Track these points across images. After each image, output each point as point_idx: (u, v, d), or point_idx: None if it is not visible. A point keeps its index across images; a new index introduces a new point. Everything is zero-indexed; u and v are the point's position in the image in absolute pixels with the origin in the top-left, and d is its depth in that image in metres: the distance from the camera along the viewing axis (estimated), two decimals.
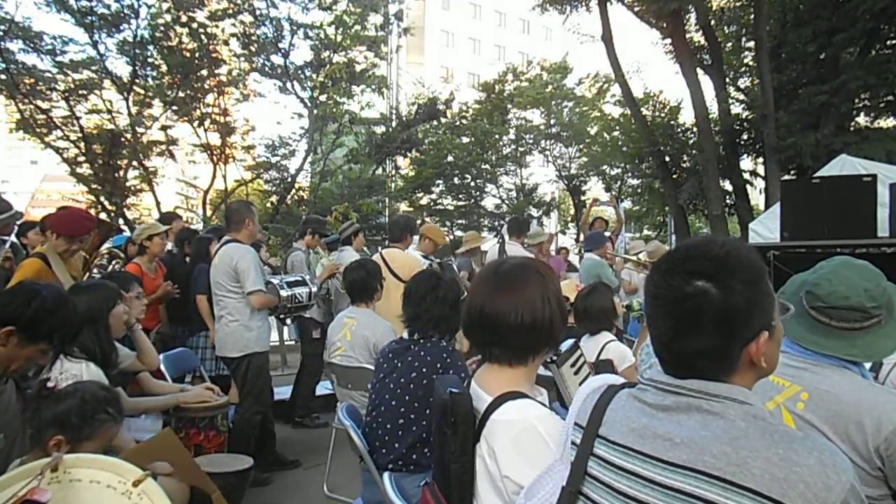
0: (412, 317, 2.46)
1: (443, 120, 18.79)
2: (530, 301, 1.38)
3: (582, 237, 7.77)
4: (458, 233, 19.12)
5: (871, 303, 1.50)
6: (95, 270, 3.92)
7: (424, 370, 2.27)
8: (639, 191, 19.19)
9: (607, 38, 12.54)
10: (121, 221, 13.67)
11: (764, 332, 0.98)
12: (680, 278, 0.97)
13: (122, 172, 14.46)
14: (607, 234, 6.65)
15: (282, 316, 4.08)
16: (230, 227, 3.87)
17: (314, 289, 4.10)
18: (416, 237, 5.34)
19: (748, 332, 0.97)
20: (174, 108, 15.01)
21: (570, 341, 2.56)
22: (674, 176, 13.84)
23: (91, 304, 2.50)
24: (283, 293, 3.83)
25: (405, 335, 2.52)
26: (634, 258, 6.25)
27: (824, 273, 1.57)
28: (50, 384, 1.86)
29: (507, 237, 6.38)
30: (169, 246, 4.94)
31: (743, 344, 0.97)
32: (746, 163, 13.79)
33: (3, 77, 12.64)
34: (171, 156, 16.08)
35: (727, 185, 12.76)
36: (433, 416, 1.52)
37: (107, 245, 4.41)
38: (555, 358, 2.48)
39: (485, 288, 1.44)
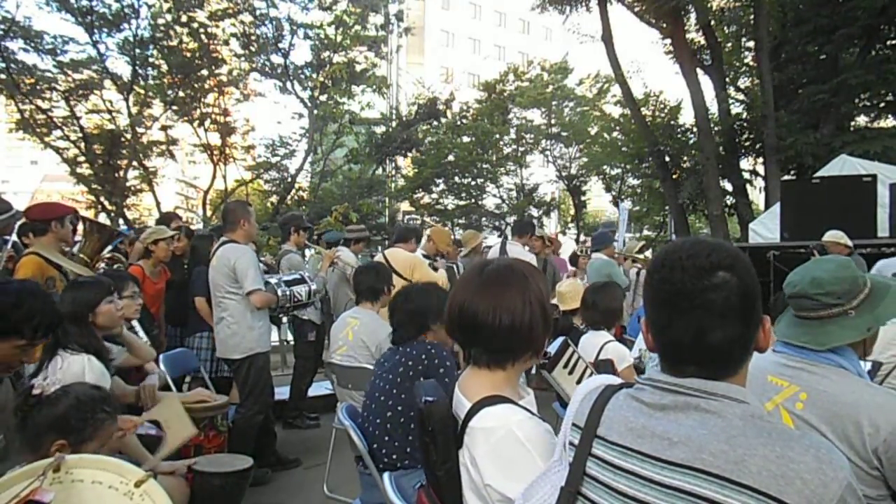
0: (391, 324, 2.64)
1: (443, 120, 18.80)
2: (510, 303, 1.34)
3: (582, 238, 7.77)
4: (459, 232, 19.14)
5: (814, 290, 1.53)
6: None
7: (410, 364, 2.35)
8: (639, 191, 19.20)
9: (607, 38, 12.55)
10: (121, 221, 13.69)
11: (765, 317, 1.03)
12: (703, 272, 0.98)
13: (122, 172, 14.49)
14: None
15: (280, 315, 4.06)
16: (226, 228, 3.85)
17: (314, 286, 4.09)
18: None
19: (758, 318, 1.01)
20: (174, 108, 15.03)
21: (557, 341, 2.56)
22: (674, 176, 13.84)
23: (78, 300, 2.50)
24: (280, 291, 3.82)
25: None
26: (641, 257, 6.28)
27: (795, 269, 1.63)
28: (36, 391, 1.81)
29: (509, 237, 6.38)
30: None
31: (756, 330, 1.01)
32: (746, 163, 13.79)
33: (4, 77, 12.65)
34: (171, 156, 16.10)
35: (727, 185, 12.77)
36: (414, 424, 1.51)
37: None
38: (545, 362, 2.48)
39: (466, 287, 1.42)
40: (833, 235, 5.28)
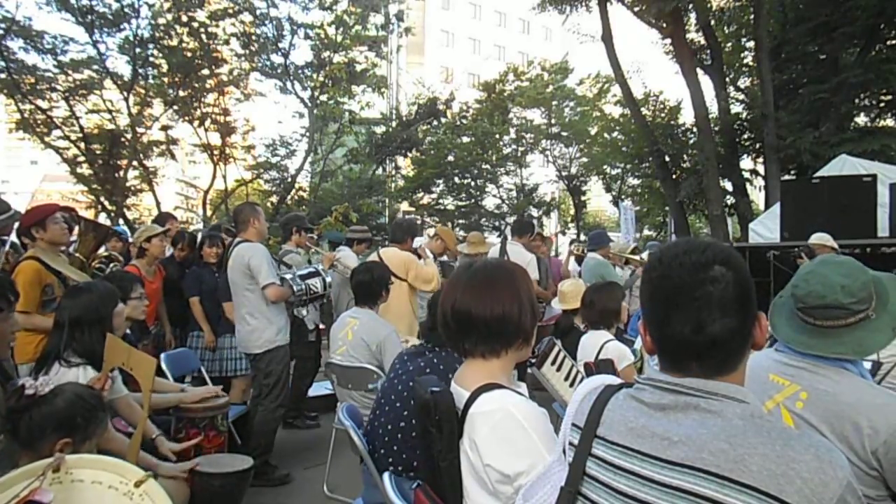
0: (430, 326, 2.52)
1: (443, 120, 18.80)
2: (498, 295, 1.42)
3: (582, 237, 7.81)
4: (460, 232, 19.14)
5: (848, 299, 1.50)
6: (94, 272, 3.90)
7: (435, 376, 2.26)
8: (639, 191, 19.21)
9: (607, 38, 12.55)
10: (121, 221, 13.68)
11: (760, 313, 1.04)
12: (700, 266, 1.01)
13: (122, 172, 14.47)
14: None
15: (300, 307, 4.15)
16: (238, 229, 3.95)
17: (329, 279, 4.19)
18: (418, 238, 5.34)
19: (754, 313, 1.02)
20: (175, 107, 15.01)
21: (544, 340, 2.57)
22: (674, 176, 13.85)
23: (96, 305, 2.50)
24: (296, 286, 3.89)
25: (414, 340, 2.55)
26: (638, 258, 6.28)
27: (802, 273, 1.59)
28: (28, 391, 1.78)
29: (509, 237, 6.38)
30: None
31: (753, 324, 1.02)
32: (746, 162, 13.80)
33: (4, 76, 12.63)
34: (172, 156, 16.09)
35: (727, 185, 12.77)
36: (416, 417, 1.52)
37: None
38: (533, 360, 2.48)
39: (455, 286, 1.48)
40: (820, 238, 5.28)
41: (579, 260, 7.17)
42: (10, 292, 2.02)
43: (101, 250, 4.24)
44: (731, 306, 0.98)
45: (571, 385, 2.68)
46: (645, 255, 6.20)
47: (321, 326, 5.13)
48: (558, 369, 2.55)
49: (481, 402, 1.35)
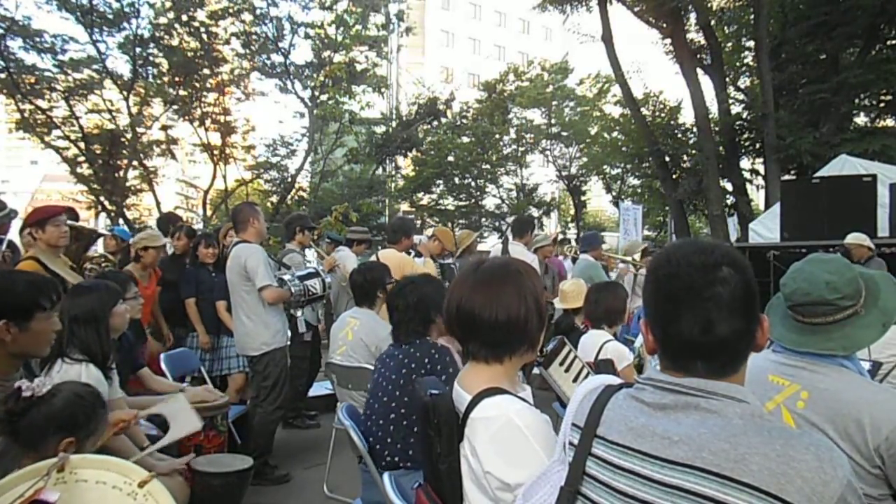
0: (391, 322, 2.63)
1: (443, 120, 18.79)
2: (506, 298, 1.38)
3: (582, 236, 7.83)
4: (460, 233, 19.12)
5: (833, 295, 1.50)
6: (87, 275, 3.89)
7: (413, 365, 2.33)
8: (639, 191, 19.21)
9: (607, 38, 12.55)
10: (121, 221, 13.69)
11: (763, 315, 1.04)
12: (710, 267, 1.01)
13: (122, 172, 14.46)
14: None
15: (296, 309, 4.15)
16: (237, 229, 3.94)
17: (328, 279, 4.17)
18: (416, 237, 5.36)
19: (758, 315, 1.03)
20: (175, 107, 15.00)
21: (553, 340, 2.57)
22: (674, 176, 13.84)
23: (93, 304, 2.51)
24: (294, 287, 3.89)
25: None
26: (630, 259, 6.29)
27: (790, 272, 1.60)
28: (26, 392, 1.75)
29: (510, 237, 6.38)
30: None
31: (757, 326, 1.03)
32: (746, 162, 13.79)
33: (4, 76, 12.62)
34: (172, 155, 16.07)
35: (727, 185, 12.77)
36: (417, 418, 1.51)
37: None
38: (540, 360, 2.49)
39: (463, 285, 1.45)
40: (856, 237, 5.27)
41: (573, 261, 7.22)
42: (55, 292, 2.00)
43: (93, 251, 4.24)
44: (739, 308, 0.99)
45: None
46: (636, 257, 6.23)
47: (321, 326, 5.14)
48: (567, 370, 2.54)
49: (483, 408, 1.33)
